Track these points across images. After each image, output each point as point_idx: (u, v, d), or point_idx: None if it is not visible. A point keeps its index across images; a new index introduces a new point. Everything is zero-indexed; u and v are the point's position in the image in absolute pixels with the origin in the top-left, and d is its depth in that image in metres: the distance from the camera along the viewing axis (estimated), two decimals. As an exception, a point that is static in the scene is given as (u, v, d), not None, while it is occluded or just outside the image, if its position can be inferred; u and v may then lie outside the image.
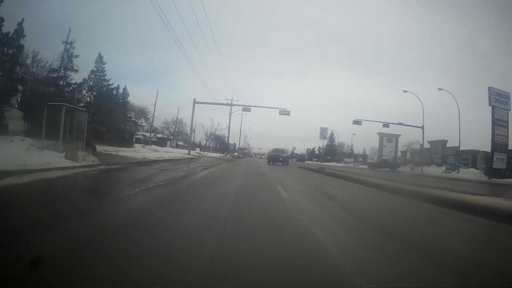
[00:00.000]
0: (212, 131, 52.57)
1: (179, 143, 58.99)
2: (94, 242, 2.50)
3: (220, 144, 69.17)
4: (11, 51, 16.27)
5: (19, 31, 16.61)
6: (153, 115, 42.45)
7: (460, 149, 32.33)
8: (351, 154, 69.24)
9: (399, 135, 54.53)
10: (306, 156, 76.69)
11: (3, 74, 15.80)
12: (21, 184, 5.30)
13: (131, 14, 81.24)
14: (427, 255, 2.73)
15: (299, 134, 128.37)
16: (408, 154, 50.88)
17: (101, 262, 2.07)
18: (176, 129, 60.10)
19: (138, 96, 49.87)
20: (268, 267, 2.17)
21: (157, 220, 3.52)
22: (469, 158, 32.06)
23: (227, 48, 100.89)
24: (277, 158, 27.20)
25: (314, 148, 78.95)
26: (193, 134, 46.61)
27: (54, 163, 7.99)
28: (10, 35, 16.35)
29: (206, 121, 79.49)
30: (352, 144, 70.45)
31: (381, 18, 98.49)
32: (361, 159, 65.83)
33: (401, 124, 36.99)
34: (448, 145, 37.30)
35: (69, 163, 8.59)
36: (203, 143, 66.20)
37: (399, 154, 54.82)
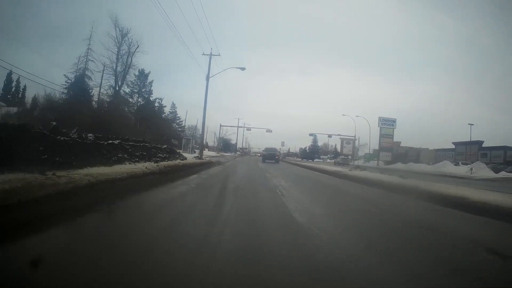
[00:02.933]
0: (221, 136, 74.29)
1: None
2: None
3: (224, 145, 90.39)
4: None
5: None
6: (183, 127, 63.85)
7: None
8: (334, 152, 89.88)
9: (356, 139, 77.11)
10: (299, 154, 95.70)
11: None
12: (215, 159, 26.92)
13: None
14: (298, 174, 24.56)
15: (293, 133, 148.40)
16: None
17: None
18: (192, 134, 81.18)
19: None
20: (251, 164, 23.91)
21: (253, 162, 25.20)
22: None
23: (227, 48, 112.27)
24: (272, 157, 30.68)
25: (306, 147, 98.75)
26: (207, 141, 68.01)
27: (200, 157, 29.36)
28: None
29: (216, 126, 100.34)
30: (335, 144, 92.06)
31: (381, 17, 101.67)
32: (342, 156, 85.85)
33: (339, 135, 59.43)
34: (402, 145, 58.35)
35: (203, 157, 29.94)
36: (210, 144, 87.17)
37: (372, 151, 75.68)
